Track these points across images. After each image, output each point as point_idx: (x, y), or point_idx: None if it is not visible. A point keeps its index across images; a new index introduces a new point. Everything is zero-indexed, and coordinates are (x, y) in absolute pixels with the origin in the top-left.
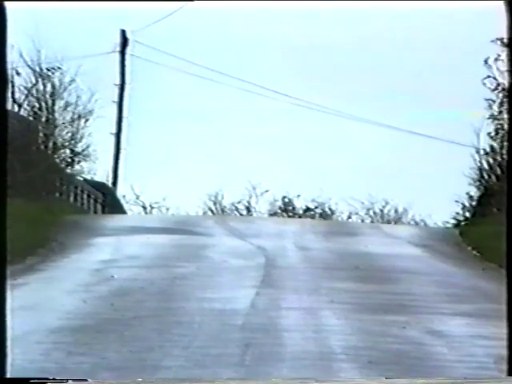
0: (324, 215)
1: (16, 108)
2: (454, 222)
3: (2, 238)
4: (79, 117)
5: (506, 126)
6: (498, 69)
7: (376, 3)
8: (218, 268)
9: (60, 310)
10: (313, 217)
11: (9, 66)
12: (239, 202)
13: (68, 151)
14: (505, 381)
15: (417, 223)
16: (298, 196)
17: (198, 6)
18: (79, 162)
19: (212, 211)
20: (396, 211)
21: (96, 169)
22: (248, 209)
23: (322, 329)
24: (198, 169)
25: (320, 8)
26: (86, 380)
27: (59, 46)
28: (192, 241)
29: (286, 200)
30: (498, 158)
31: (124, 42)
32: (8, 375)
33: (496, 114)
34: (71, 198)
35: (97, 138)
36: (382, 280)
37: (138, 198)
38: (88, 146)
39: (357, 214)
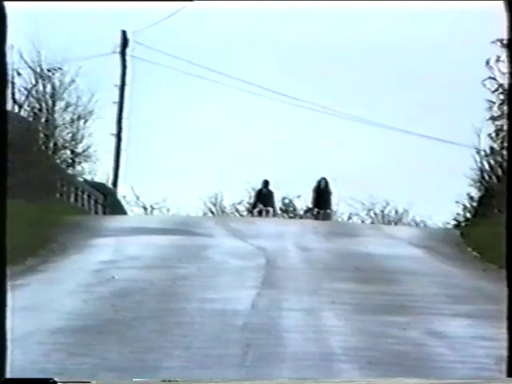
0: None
1: (16, 109)
2: (454, 222)
3: (2, 239)
4: (79, 117)
5: (506, 127)
6: (499, 70)
7: (374, 3)
8: (219, 269)
9: (61, 310)
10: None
11: (9, 67)
12: (239, 203)
13: (68, 152)
14: (504, 381)
15: (417, 224)
16: (299, 197)
17: (198, 6)
18: (80, 162)
19: (212, 212)
20: (396, 212)
21: (96, 169)
22: (249, 210)
23: (323, 329)
24: (198, 170)
25: (319, 9)
26: (86, 381)
27: (59, 47)
28: (192, 241)
29: (287, 201)
30: (499, 159)
31: (124, 42)
32: (8, 376)
33: (496, 115)
34: (72, 199)
35: (97, 138)
36: (383, 281)
37: (138, 198)
38: (88, 147)
39: (357, 214)
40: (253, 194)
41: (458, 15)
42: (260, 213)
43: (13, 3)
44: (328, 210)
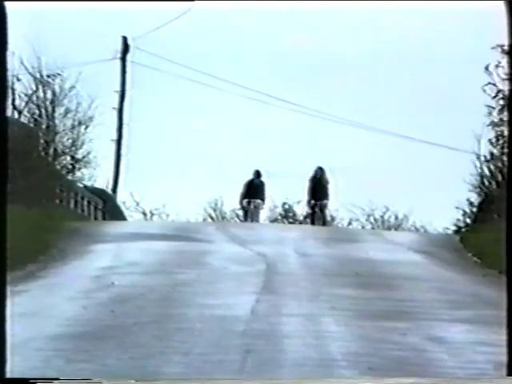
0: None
1: (16, 115)
2: (454, 228)
3: (2, 245)
4: (79, 123)
5: (506, 133)
6: (498, 75)
7: (373, 5)
8: (219, 274)
9: (60, 316)
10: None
11: (9, 73)
12: (240, 209)
13: (68, 158)
14: (504, 381)
15: (417, 229)
16: (298, 202)
17: (198, 12)
18: (80, 168)
19: (212, 218)
20: (396, 217)
21: (96, 175)
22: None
23: (323, 335)
24: (198, 175)
25: (318, 13)
26: (87, 380)
27: (60, 53)
28: (192, 247)
29: (286, 206)
30: (499, 165)
31: (125, 48)
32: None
33: (496, 120)
34: (71, 205)
35: (97, 144)
36: (383, 286)
37: (138, 204)
38: (88, 153)
39: (357, 220)
40: None
41: (460, 19)
42: (248, 204)
43: (13, 7)
44: (325, 201)
